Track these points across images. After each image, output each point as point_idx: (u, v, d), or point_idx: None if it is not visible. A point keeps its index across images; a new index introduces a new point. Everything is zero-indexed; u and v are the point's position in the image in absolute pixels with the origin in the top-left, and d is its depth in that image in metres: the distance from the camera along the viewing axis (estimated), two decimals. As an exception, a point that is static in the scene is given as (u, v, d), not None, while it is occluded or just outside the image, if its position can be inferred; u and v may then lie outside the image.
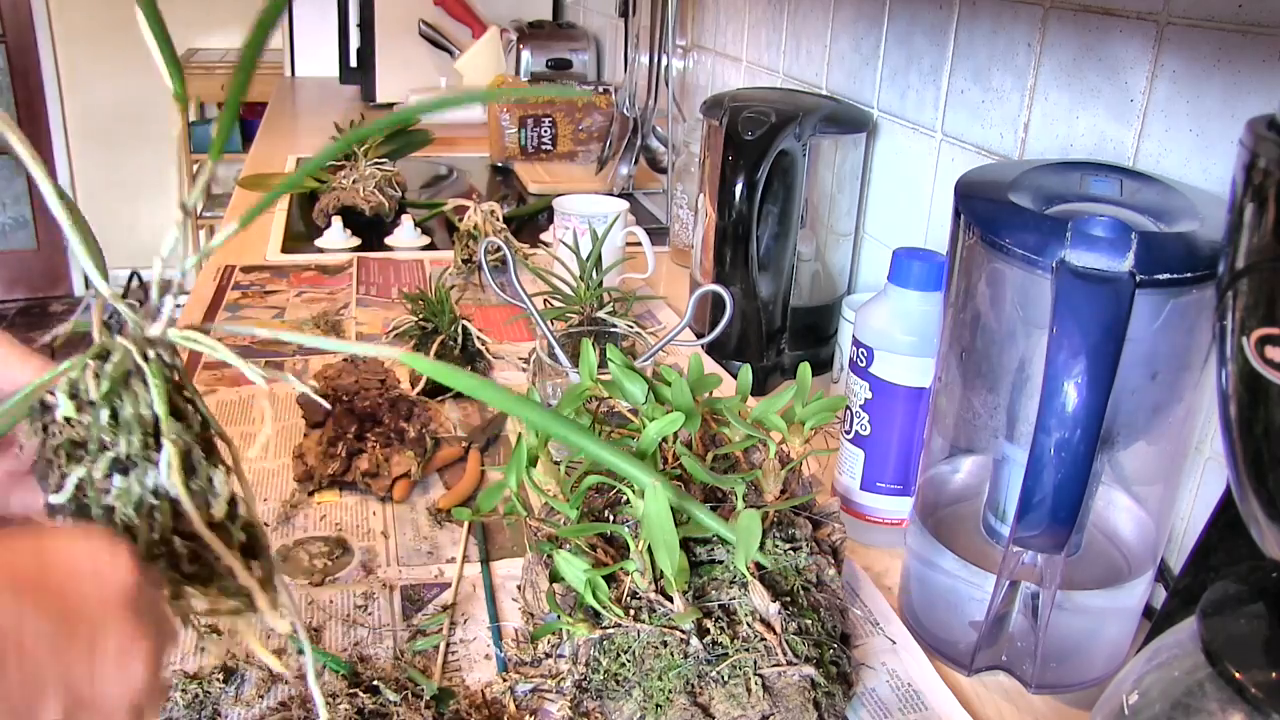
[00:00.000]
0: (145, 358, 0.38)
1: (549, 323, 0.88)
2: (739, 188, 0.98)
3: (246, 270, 1.34)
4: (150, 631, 0.38)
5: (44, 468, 0.39)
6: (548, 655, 0.65)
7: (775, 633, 0.57)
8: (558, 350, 0.84)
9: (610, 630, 0.59)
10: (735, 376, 0.70)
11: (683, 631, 0.57)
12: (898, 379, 0.76)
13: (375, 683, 0.61)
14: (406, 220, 1.47)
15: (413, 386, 0.98)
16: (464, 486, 0.85)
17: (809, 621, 0.59)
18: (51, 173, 0.46)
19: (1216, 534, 0.56)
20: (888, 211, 1.10)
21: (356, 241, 1.45)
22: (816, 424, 0.66)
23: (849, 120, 1.07)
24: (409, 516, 0.81)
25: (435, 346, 0.99)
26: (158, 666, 0.39)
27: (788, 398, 0.66)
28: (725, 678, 0.56)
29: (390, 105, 2.36)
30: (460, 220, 1.32)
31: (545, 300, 1.04)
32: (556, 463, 0.66)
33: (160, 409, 0.38)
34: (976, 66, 0.92)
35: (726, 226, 1.00)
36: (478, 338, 1.02)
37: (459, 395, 1.00)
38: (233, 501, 0.40)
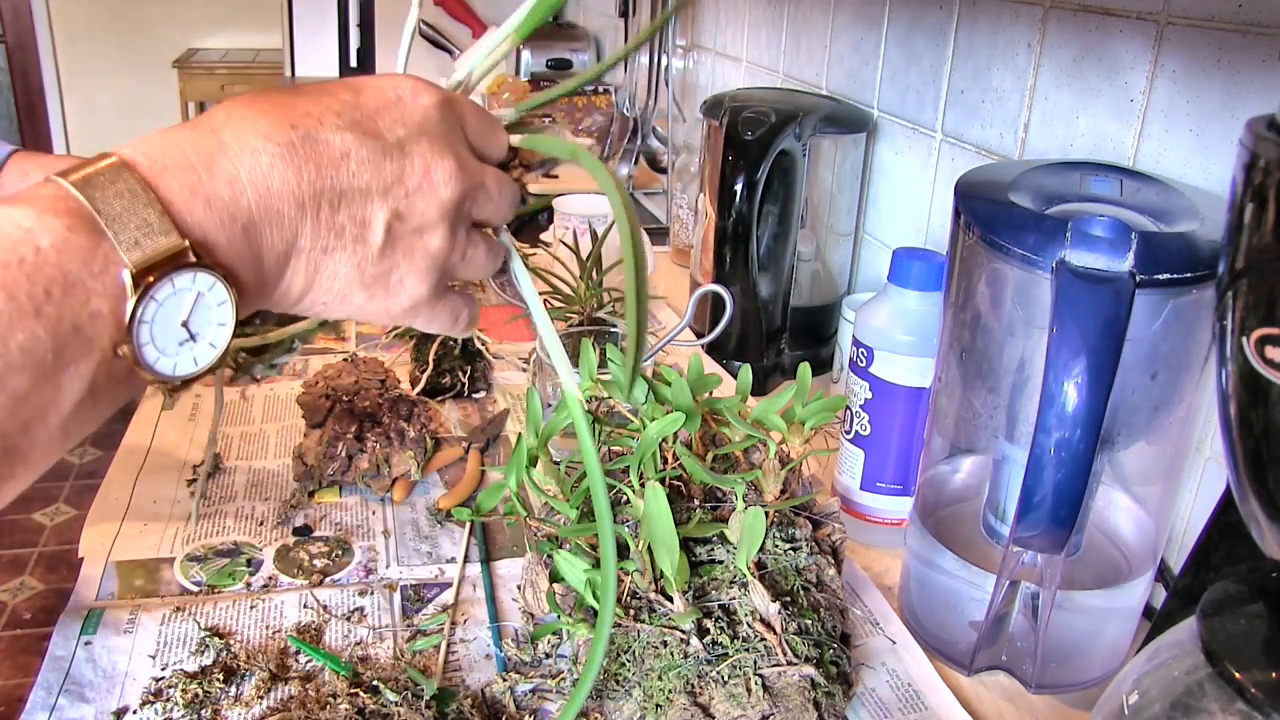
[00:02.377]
0: None
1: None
2: (739, 188, 0.98)
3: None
4: (448, 150, 0.45)
5: None
6: (548, 655, 0.65)
7: (775, 633, 0.57)
8: (543, 344, 0.84)
9: (610, 630, 0.59)
10: (735, 376, 0.70)
11: (683, 631, 0.57)
12: (898, 379, 0.76)
13: (375, 683, 0.61)
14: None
15: (413, 386, 0.98)
16: (464, 486, 0.85)
17: (809, 621, 0.59)
18: None
19: (1216, 534, 0.56)
20: (888, 211, 1.10)
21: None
22: (816, 424, 0.66)
23: (849, 120, 1.07)
24: (409, 516, 0.81)
25: (435, 346, 0.99)
26: (462, 184, 0.45)
27: (788, 398, 0.66)
28: (725, 678, 0.56)
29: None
30: (460, 220, 1.32)
31: (545, 300, 1.04)
32: (556, 463, 0.66)
33: None
34: (976, 66, 0.92)
35: (726, 226, 1.00)
36: (478, 338, 1.02)
37: (459, 395, 1.00)
38: None
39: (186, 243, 0.37)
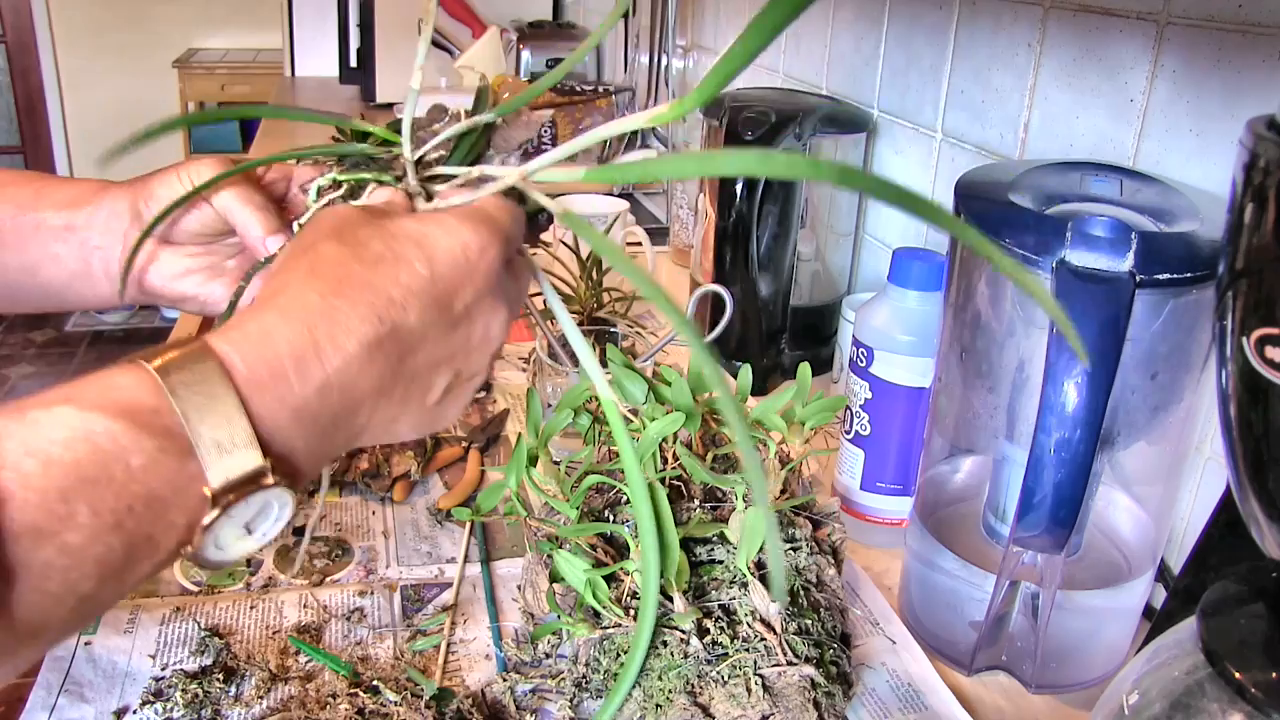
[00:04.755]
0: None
1: (549, 323, 0.88)
2: (739, 188, 0.98)
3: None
4: (503, 303, 0.48)
5: None
6: (548, 655, 0.65)
7: (775, 633, 0.57)
8: (558, 350, 0.84)
9: (610, 630, 0.59)
10: (735, 376, 0.70)
11: (683, 631, 0.57)
12: (898, 379, 0.76)
13: (375, 683, 0.61)
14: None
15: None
16: (464, 486, 0.85)
17: (809, 621, 0.59)
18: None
19: (1216, 534, 0.56)
20: (888, 211, 1.10)
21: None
22: (816, 424, 0.66)
23: (849, 120, 1.07)
24: (409, 516, 0.81)
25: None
26: (509, 326, 0.49)
27: (788, 398, 0.66)
28: (725, 678, 0.56)
29: (390, 105, 2.36)
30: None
31: (545, 300, 1.04)
32: (556, 463, 0.66)
33: None
34: (976, 66, 0.92)
35: (726, 226, 1.00)
36: (478, 338, 1.02)
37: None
38: None
39: (269, 463, 0.38)
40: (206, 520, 0.37)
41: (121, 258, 0.57)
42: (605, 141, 1.78)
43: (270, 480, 0.38)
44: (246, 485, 0.37)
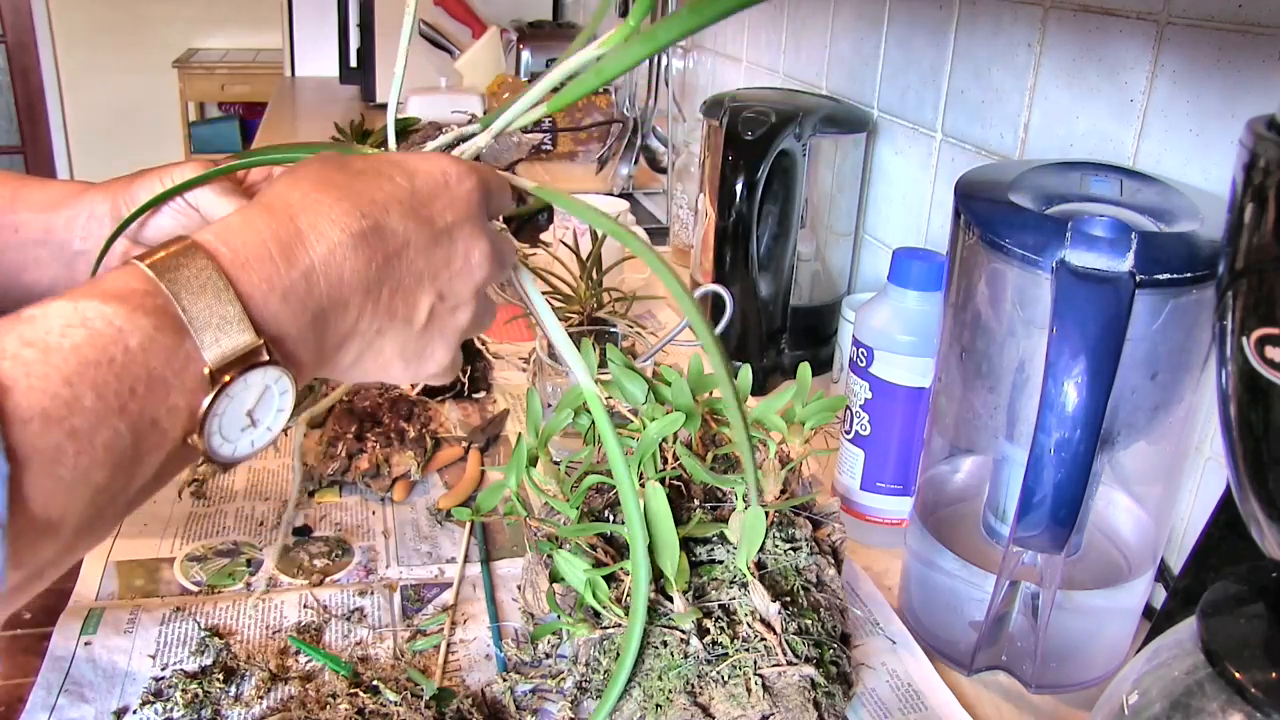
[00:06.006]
0: None
1: (549, 323, 0.88)
2: (739, 188, 0.98)
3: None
4: (484, 233, 0.49)
5: None
6: (548, 655, 0.65)
7: (775, 633, 0.57)
8: (558, 350, 0.84)
9: (610, 630, 0.59)
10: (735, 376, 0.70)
11: (683, 631, 0.57)
12: (898, 379, 0.76)
13: (375, 683, 0.61)
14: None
15: (412, 386, 0.98)
16: (464, 486, 0.85)
17: (809, 621, 0.59)
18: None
19: (1216, 534, 0.56)
20: (888, 211, 1.10)
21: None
22: (816, 424, 0.66)
23: (849, 120, 1.07)
24: (409, 516, 0.81)
25: (435, 346, 0.99)
26: (493, 267, 0.50)
27: (788, 398, 0.66)
28: (725, 678, 0.56)
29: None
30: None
31: (545, 300, 1.04)
32: (556, 463, 0.66)
33: None
34: (976, 66, 0.92)
35: (726, 226, 1.00)
36: (478, 337, 1.02)
37: (459, 395, 1.00)
38: None
39: (262, 340, 0.39)
40: (207, 400, 0.38)
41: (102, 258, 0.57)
42: (607, 140, 1.78)
43: (265, 358, 0.39)
44: (242, 363, 0.38)
